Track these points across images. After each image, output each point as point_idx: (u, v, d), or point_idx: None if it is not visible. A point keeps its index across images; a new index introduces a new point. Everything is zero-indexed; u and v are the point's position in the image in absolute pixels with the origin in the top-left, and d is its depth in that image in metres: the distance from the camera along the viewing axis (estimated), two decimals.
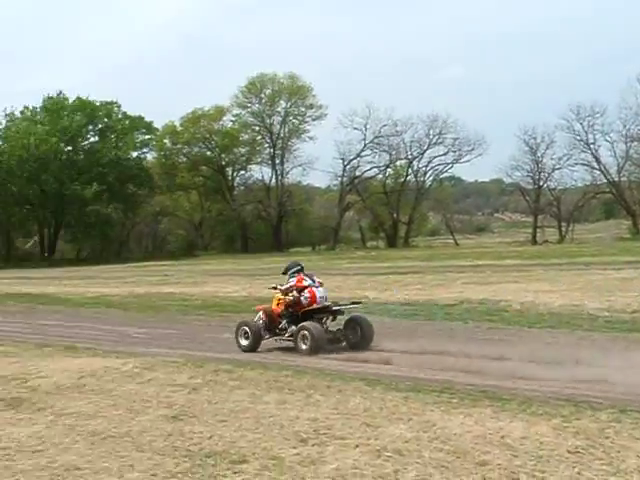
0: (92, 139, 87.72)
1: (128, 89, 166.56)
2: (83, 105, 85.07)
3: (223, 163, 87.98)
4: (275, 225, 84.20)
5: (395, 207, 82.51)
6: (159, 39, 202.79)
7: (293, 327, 15.16)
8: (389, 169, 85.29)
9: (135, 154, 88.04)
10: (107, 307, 26.89)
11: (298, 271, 15.81)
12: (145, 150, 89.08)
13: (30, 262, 79.38)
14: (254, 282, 31.21)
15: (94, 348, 15.31)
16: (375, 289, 26.15)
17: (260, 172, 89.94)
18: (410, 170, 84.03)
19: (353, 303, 15.86)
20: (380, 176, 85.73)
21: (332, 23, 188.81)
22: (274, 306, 15.95)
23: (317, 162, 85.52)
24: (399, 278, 30.28)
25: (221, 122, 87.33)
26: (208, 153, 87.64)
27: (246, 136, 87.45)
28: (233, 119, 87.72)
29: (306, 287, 15.40)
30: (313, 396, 9.68)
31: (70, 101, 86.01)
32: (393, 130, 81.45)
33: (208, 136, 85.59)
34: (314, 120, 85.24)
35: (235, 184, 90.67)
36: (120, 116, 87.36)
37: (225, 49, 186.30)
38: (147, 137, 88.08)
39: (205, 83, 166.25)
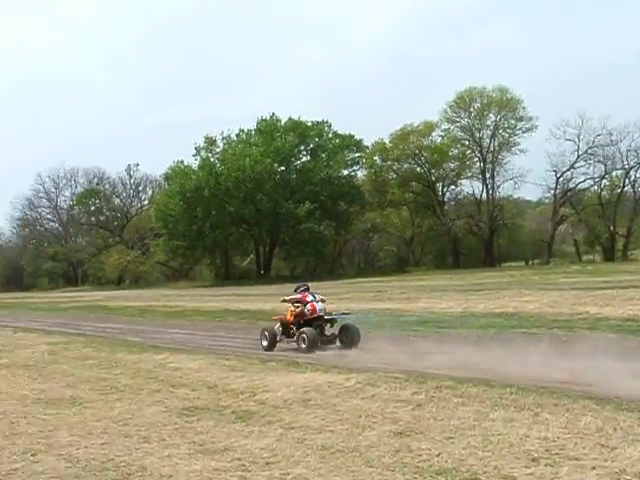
0: (304, 158, 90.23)
1: (338, 108, 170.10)
2: (295, 126, 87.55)
3: (433, 178, 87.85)
4: (486, 240, 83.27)
5: (612, 219, 79.31)
6: (367, 57, 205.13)
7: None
8: (604, 180, 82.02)
9: (346, 172, 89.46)
10: None
11: (305, 290, 20.45)
12: (355, 168, 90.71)
13: (247, 279, 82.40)
14: (469, 298, 30.90)
15: (315, 363, 15.54)
16: (595, 304, 25.20)
17: (470, 186, 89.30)
18: (627, 180, 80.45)
19: (343, 314, 20.67)
20: (595, 187, 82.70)
21: (541, 33, 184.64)
22: (288, 316, 20.15)
23: (528, 175, 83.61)
24: (620, 293, 29.04)
25: (430, 137, 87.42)
26: (418, 169, 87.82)
27: (455, 151, 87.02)
28: (442, 134, 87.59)
29: (309, 302, 19.85)
30: (541, 414, 9.36)
31: (282, 122, 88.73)
32: (608, 140, 78.35)
33: (417, 152, 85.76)
34: (524, 132, 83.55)
35: (445, 199, 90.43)
36: (330, 135, 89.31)
37: (433, 64, 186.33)
38: (357, 155, 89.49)
39: (414, 99, 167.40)
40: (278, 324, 20.16)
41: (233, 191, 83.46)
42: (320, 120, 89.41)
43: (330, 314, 20.12)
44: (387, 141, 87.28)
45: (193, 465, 7.95)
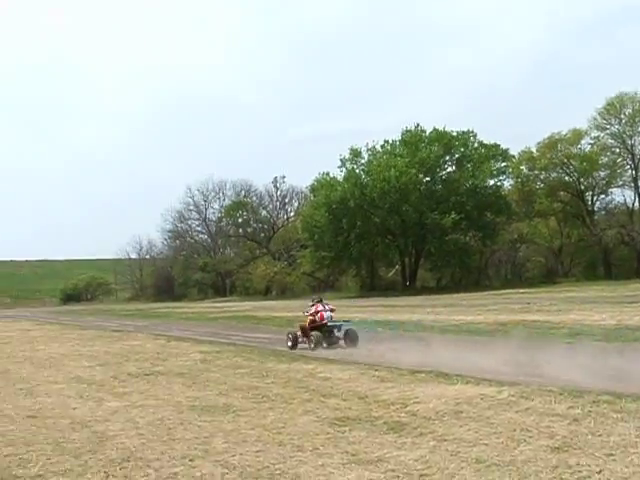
0: (449, 169, 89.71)
1: (483, 117, 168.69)
2: (440, 136, 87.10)
3: (582, 187, 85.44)
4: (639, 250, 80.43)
5: None
6: (513, 65, 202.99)
7: None
8: None
9: (492, 182, 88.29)
10: (470, 335, 26.92)
11: (318, 301, 24.98)
12: (501, 177, 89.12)
13: (393, 290, 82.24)
14: (622, 310, 29.92)
15: (464, 375, 15.31)
16: None
17: (622, 195, 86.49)
18: None
19: (345, 321, 24.90)
20: None
21: None
22: (306, 323, 24.55)
23: None
24: None
25: (579, 146, 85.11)
26: (566, 178, 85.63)
27: (606, 159, 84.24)
28: (591, 142, 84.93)
29: (319, 311, 24.35)
30: None
31: (427, 133, 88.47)
32: None
33: (566, 161, 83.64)
34: None
35: (595, 208, 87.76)
36: (476, 145, 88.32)
37: (580, 70, 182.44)
38: (503, 165, 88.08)
39: (561, 106, 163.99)
40: (299, 329, 24.81)
41: (378, 202, 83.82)
42: (465, 130, 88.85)
43: (335, 321, 24.40)
44: (534, 150, 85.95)
45: (347, 475, 7.97)
